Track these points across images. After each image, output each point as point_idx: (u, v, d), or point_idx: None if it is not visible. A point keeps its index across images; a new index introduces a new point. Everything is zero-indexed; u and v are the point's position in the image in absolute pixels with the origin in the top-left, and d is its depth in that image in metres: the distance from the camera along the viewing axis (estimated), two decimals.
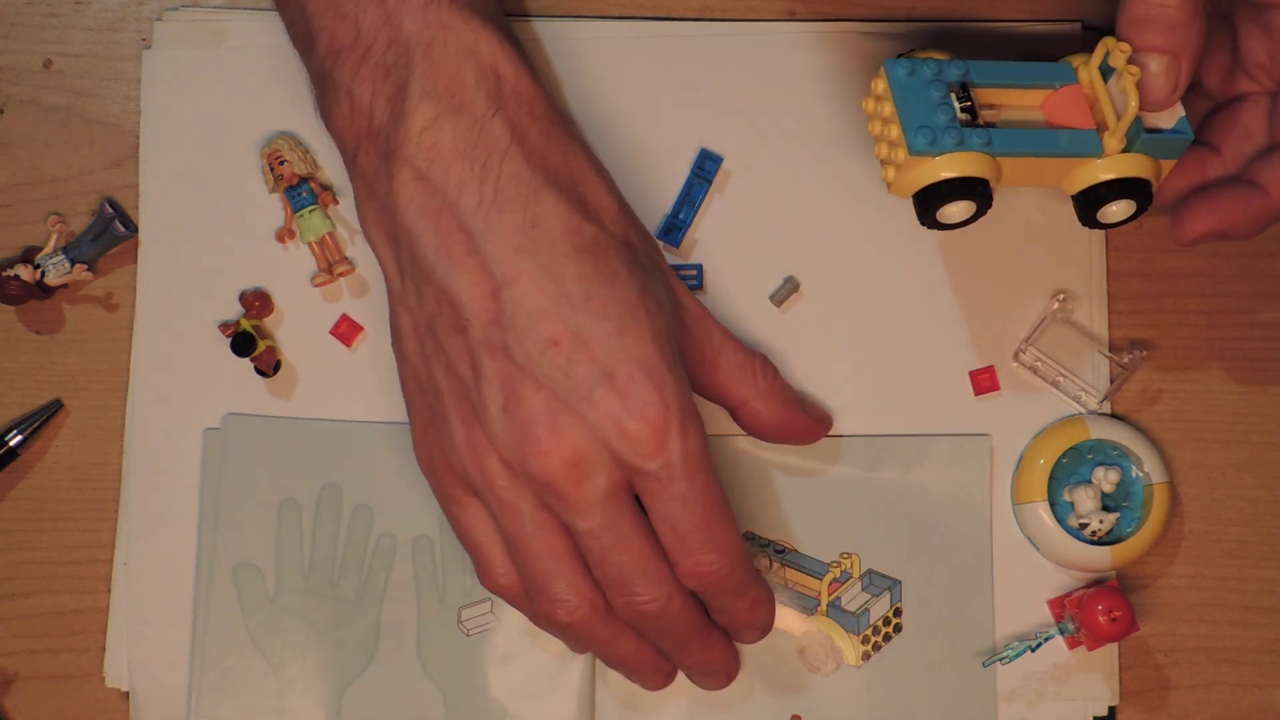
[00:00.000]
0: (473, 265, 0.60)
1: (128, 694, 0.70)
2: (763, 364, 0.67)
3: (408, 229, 0.61)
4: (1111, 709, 0.69)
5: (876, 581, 0.69)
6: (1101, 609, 0.66)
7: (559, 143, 0.63)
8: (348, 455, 0.70)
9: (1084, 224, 0.65)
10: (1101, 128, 0.63)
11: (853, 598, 0.69)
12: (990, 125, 0.63)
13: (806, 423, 0.68)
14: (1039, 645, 0.68)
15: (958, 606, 0.69)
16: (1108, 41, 0.62)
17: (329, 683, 0.69)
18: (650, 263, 0.64)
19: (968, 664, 0.69)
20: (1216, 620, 0.70)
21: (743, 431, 0.69)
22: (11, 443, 0.70)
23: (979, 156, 0.62)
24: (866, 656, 0.69)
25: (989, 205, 0.64)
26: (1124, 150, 0.63)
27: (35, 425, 0.71)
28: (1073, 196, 0.65)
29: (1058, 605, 0.69)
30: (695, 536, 0.61)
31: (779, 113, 0.72)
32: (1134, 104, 0.61)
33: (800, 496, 0.70)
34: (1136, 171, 0.63)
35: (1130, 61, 0.61)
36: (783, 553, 0.70)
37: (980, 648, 0.69)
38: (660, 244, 0.71)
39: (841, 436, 0.70)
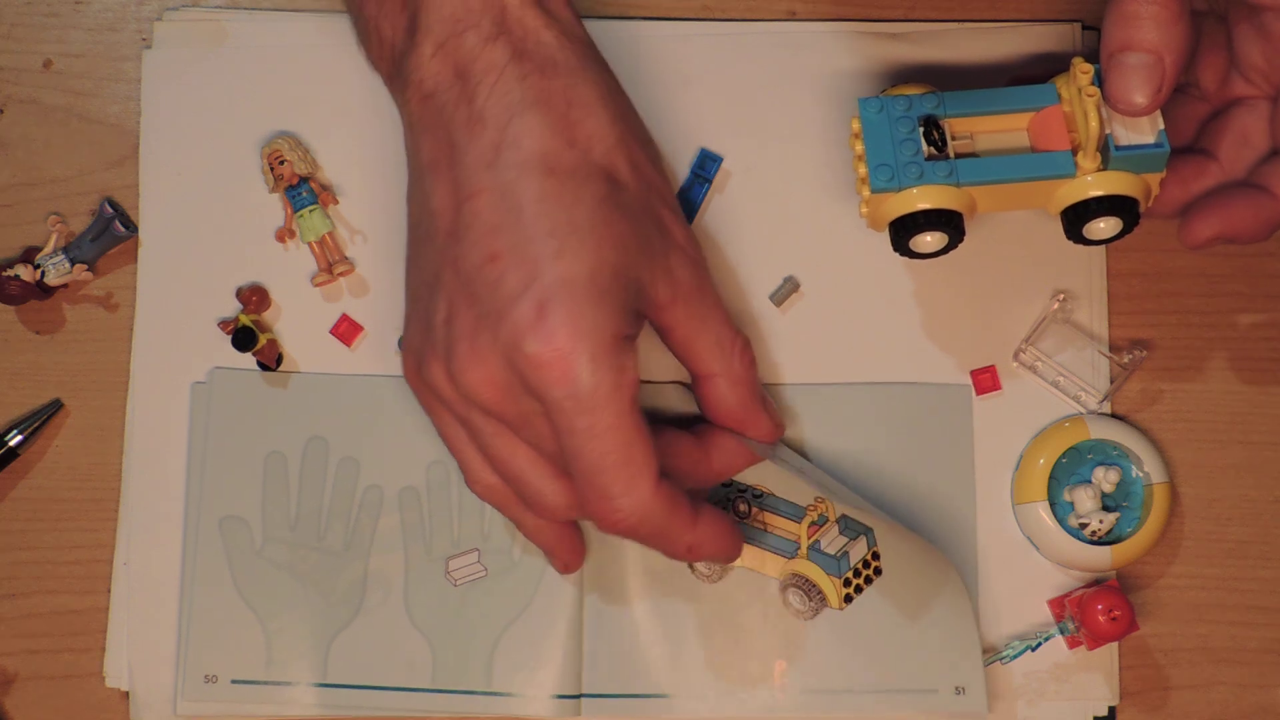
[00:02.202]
0: (448, 178, 0.61)
1: (128, 694, 0.70)
2: (744, 346, 0.66)
3: (413, 145, 0.63)
4: (1111, 709, 0.69)
5: (852, 525, 0.69)
6: (1102, 609, 0.66)
7: (565, 69, 0.62)
8: (333, 409, 0.71)
9: (1072, 240, 0.66)
10: (1076, 148, 0.63)
11: (831, 540, 0.69)
12: (963, 156, 0.64)
13: (763, 419, 0.66)
14: (1039, 645, 0.68)
15: (941, 564, 0.69)
16: (1077, 61, 0.63)
17: (316, 634, 0.69)
18: (638, 204, 0.62)
19: (949, 608, 0.69)
20: (1216, 620, 0.70)
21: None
22: (11, 443, 0.70)
23: (943, 189, 0.63)
24: (848, 599, 0.69)
25: (961, 235, 0.65)
26: (1102, 168, 0.63)
27: (35, 425, 0.71)
28: (1060, 214, 0.65)
29: (1058, 605, 0.69)
30: (595, 480, 0.59)
31: (779, 113, 0.72)
32: (1094, 124, 0.62)
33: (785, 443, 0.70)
34: (1117, 189, 0.63)
35: (1115, 60, 0.61)
36: (760, 497, 0.70)
37: (966, 606, 0.69)
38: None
39: (821, 385, 0.71)
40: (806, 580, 0.69)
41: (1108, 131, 0.62)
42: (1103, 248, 0.71)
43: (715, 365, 0.65)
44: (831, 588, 0.69)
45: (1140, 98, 0.61)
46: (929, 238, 0.65)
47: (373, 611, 0.69)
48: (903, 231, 0.65)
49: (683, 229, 0.65)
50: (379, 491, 0.70)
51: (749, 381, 0.66)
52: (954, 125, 0.64)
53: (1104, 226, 0.65)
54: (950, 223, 0.64)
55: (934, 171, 0.63)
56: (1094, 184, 0.63)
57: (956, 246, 0.66)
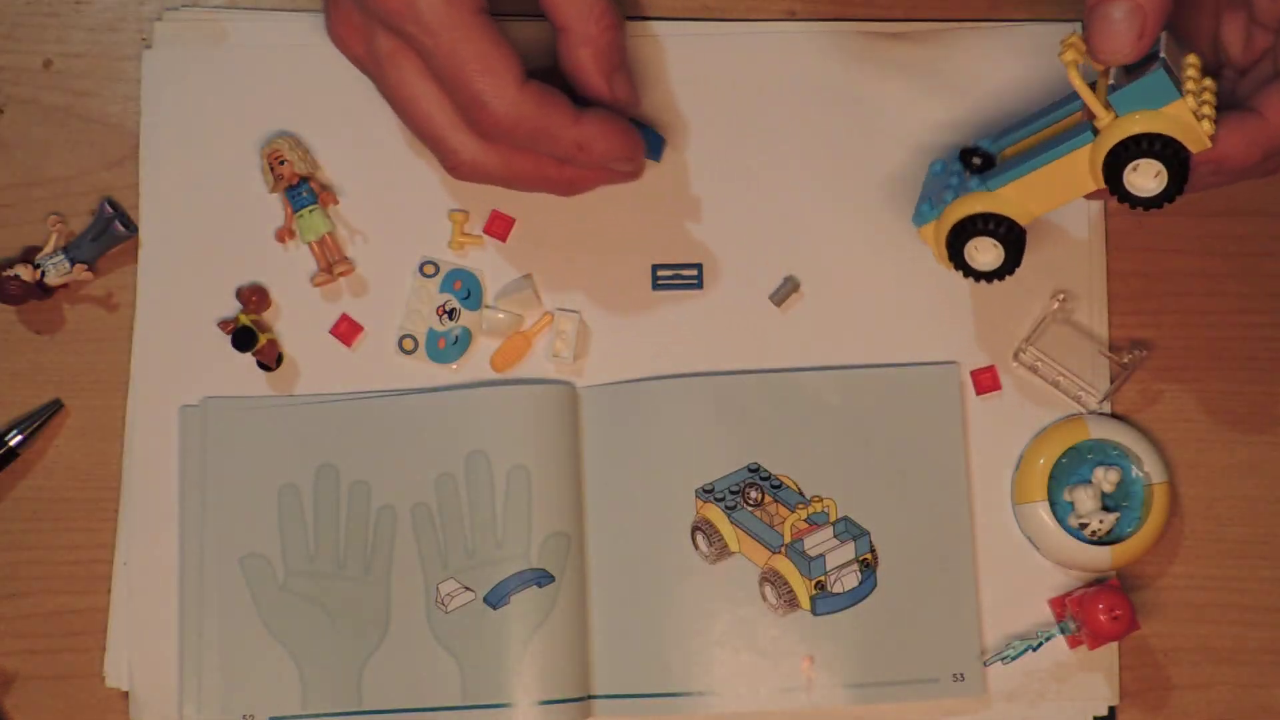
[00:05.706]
0: None
1: (128, 694, 0.70)
2: (605, 11, 0.66)
3: None
4: (1112, 709, 0.69)
5: (849, 529, 0.70)
6: (1103, 608, 0.66)
7: None
8: (339, 433, 0.70)
9: (1126, 203, 0.62)
10: (1089, 114, 0.63)
11: (817, 543, 0.69)
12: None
13: (611, 85, 0.67)
14: (1040, 644, 0.68)
15: (936, 550, 0.69)
16: (1061, 39, 0.62)
17: (347, 663, 0.69)
18: None
19: (948, 597, 0.69)
20: (1216, 620, 0.70)
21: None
22: (11, 443, 0.70)
23: (978, 196, 0.64)
24: (814, 601, 0.69)
25: (1017, 243, 0.65)
26: (1116, 117, 0.61)
27: (35, 425, 0.71)
28: (1103, 177, 0.62)
29: (1059, 605, 0.69)
30: (465, 91, 0.64)
31: (779, 113, 0.72)
32: (1077, 83, 0.60)
33: (779, 433, 0.70)
34: (1139, 128, 0.60)
35: (1096, 12, 0.59)
36: (779, 488, 0.70)
37: (962, 592, 0.69)
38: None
39: (810, 370, 0.71)
40: (780, 576, 0.69)
41: (1110, 81, 0.61)
42: (1103, 247, 0.71)
43: (571, 20, 0.66)
44: (803, 588, 0.69)
45: (1120, 47, 0.59)
46: (976, 246, 0.65)
47: (399, 634, 0.69)
48: (955, 252, 0.66)
49: None
50: (392, 512, 0.70)
51: (600, 45, 0.67)
52: (1008, 155, 0.66)
53: (1146, 175, 0.61)
54: (997, 231, 0.64)
55: (966, 186, 0.65)
56: (1116, 130, 0.61)
57: (1018, 261, 0.65)
